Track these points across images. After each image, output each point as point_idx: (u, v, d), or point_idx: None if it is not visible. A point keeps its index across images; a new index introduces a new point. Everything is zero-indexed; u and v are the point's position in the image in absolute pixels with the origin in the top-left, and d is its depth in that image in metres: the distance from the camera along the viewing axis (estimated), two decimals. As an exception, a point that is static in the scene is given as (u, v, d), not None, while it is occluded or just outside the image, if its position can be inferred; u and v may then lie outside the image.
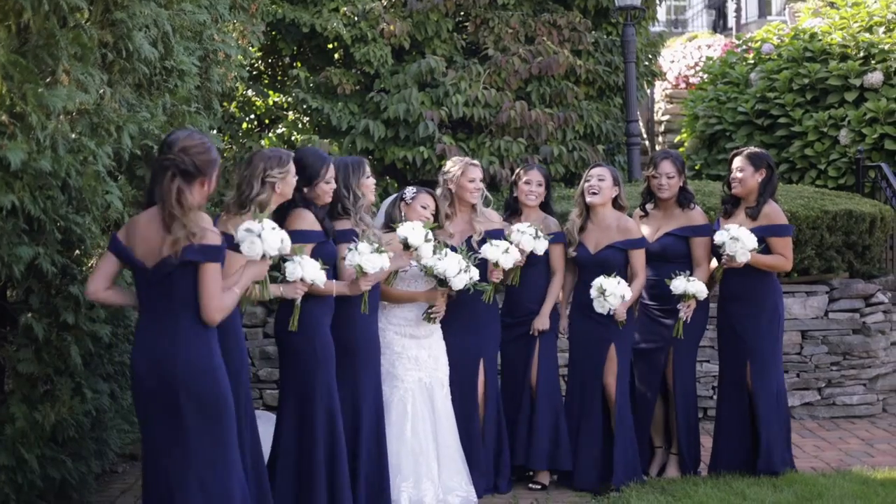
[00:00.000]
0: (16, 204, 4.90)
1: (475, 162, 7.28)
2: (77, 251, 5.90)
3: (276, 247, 5.07)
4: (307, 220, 6.15)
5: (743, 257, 6.93)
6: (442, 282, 6.64)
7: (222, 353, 5.00)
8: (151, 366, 4.77)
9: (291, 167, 5.81)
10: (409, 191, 6.95)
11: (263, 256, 5.06)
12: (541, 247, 7.05)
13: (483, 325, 7.12)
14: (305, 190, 6.19)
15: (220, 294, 4.79)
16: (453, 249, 6.78)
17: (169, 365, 4.74)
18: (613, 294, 6.84)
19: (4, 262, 5.01)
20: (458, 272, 6.58)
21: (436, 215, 6.91)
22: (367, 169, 6.63)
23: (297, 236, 5.98)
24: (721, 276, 7.17)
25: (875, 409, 9.59)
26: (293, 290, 5.77)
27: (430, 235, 6.51)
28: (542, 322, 7.25)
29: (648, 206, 7.47)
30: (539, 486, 7.21)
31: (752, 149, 7.44)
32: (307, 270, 5.71)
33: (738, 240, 6.91)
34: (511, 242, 6.97)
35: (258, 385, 9.04)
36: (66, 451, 5.97)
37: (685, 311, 7.08)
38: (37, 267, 5.33)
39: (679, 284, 6.98)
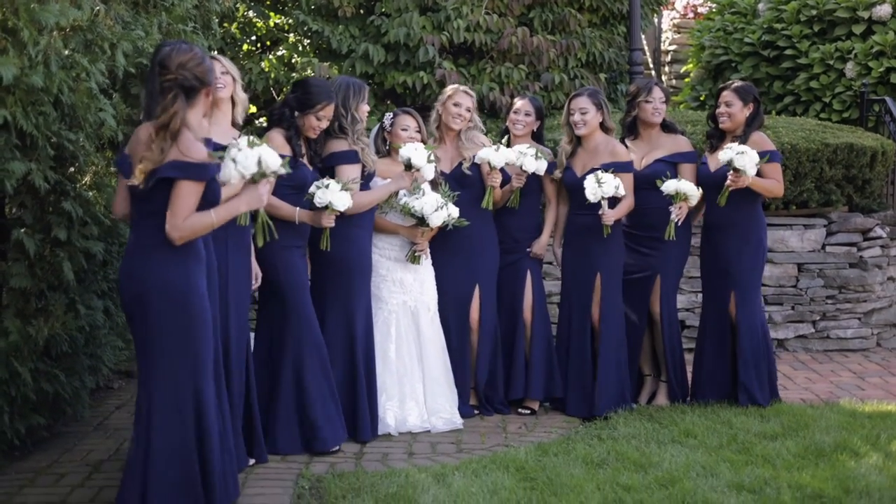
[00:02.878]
0: (8, 119, 4.90)
1: (468, 91, 7.26)
2: (71, 168, 5.92)
3: (252, 167, 4.89)
4: (275, 142, 6.13)
5: (752, 170, 6.93)
6: (421, 220, 6.68)
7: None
8: (128, 280, 4.82)
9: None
10: (387, 117, 7.02)
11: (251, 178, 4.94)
12: (542, 167, 7.05)
13: (478, 251, 7.16)
14: (297, 114, 6.23)
15: (184, 213, 4.68)
16: (443, 176, 6.97)
17: (142, 279, 4.76)
18: (608, 182, 6.85)
19: (-4, 176, 5.03)
20: (436, 209, 6.64)
21: (420, 133, 6.99)
22: (367, 95, 6.63)
23: None
24: (726, 201, 7.12)
25: (869, 343, 9.65)
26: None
27: (433, 157, 6.57)
28: (539, 247, 7.29)
29: (628, 140, 7.47)
30: (529, 412, 7.29)
31: (740, 82, 7.43)
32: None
33: (745, 153, 6.91)
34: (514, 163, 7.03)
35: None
36: (60, 366, 6.05)
37: (676, 213, 7.06)
38: (30, 182, 5.36)
39: (670, 184, 7.00)
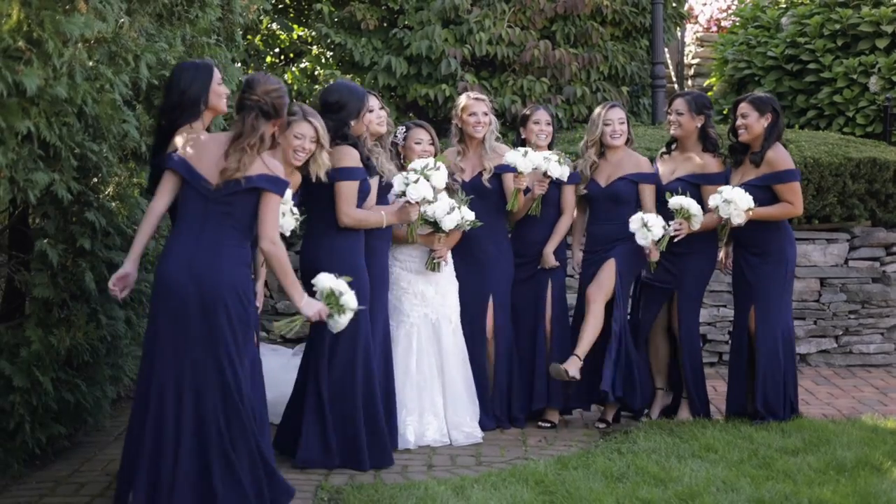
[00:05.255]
0: (31, 130, 4.92)
1: (478, 95, 7.28)
2: (95, 179, 5.96)
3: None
4: (354, 158, 6.22)
5: (738, 219, 6.90)
6: (436, 226, 6.70)
7: None
8: (190, 278, 5.08)
9: None
10: (399, 131, 7.00)
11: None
12: (566, 173, 7.06)
13: (492, 262, 7.16)
14: (353, 124, 6.29)
15: (277, 225, 5.22)
16: (462, 186, 7.03)
17: (213, 279, 5.08)
18: (655, 224, 6.89)
19: (20, 187, 5.06)
20: (448, 212, 6.65)
21: (434, 146, 7.02)
22: (371, 102, 6.62)
23: (346, 174, 6.15)
24: (727, 234, 7.15)
25: (892, 358, 9.60)
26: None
27: (433, 164, 6.53)
28: (546, 261, 7.26)
29: (673, 146, 7.46)
30: (549, 425, 7.28)
31: (757, 93, 7.38)
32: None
33: (730, 202, 6.88)
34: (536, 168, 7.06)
35: (276, 317, 9.11)
36: (81, 376, 6.08)
37: (675, 228, 7.03)
38: (53, 193, 5.39)
39: (677, 200, 7.00)
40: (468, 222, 6.81)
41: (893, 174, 9.56)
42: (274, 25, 11.18)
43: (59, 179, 5.34)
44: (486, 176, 7.15)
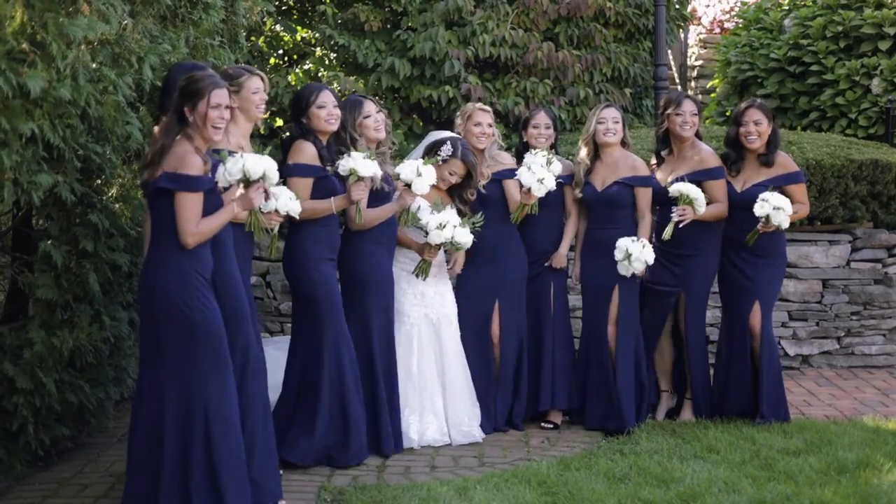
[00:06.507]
0: (35, 132, 4.95)
1: (484, 107, 7.28)
2: (98, 180, 5.99)
3: (237, 174, 5.19)
4: (307, 154, 6.25)
5: (786, 223, 6.96)
6: (427, 235, 6.71)
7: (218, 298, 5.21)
8: (140, 287, 5.12)
9: None
10: (445, 151, 6.93)
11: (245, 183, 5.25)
12: (557, 171, 7.04)
13: (500, 267, 7.16)
14: (304, 121, 6.30)
15: (194, 220, 4.97)
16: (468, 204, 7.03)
17: (147, 285, 5.02)
18: (638, 259, 6.86)
19: (24, 188, 5.08)
20: (437, 227, 6.62)
21: (470, 175, 6.97)
22: (367, 108, 6.64)
23: (295, 170, 6.18)
24: (755, 240, 7.15)
25: (893, 359, 9.58)
26: (268, 221, 5.71)
27: (422, 169, 6.54)
28: (558, 260, 7.29)
29: (664, 153, 7.45)
30: (551, 426, 7.29)
31: (758, 100, 7.37)
32: (280, 202, 5.71)
33: (781, 209, 6.90)
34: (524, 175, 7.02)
35: (280, 318, 9.15)
36: (85, 377, 6.11)
37: (679, 214, 7.01)
38: (56, 195, 5.42)
39: (677, 186, 6.98)
40: (455, 244, 6.71)
41: (895, 176, 9.55)
42: (277, 27, 11.19)
43: (62, 181, 5.37)
44: (482, 182, 7.13)
